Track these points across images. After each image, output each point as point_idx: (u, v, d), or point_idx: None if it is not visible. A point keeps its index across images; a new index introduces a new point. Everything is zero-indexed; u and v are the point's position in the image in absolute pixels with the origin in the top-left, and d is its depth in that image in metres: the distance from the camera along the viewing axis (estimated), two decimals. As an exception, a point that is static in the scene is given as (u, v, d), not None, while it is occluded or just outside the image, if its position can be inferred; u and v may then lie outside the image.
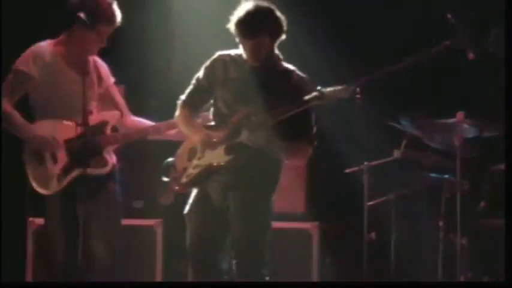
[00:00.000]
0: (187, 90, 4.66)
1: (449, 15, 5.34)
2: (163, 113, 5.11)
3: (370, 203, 5.96)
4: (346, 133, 6.25)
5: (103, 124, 4.68)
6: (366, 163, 5.80)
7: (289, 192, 5.93)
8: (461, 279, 5.38)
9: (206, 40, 6.59)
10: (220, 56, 4.59)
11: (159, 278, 6.23)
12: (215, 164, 4.47)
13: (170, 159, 4.68)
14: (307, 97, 4.42)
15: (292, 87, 4.50)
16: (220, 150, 4.46)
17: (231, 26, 4.43)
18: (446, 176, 5.76)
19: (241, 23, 4.42)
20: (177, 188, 4.61)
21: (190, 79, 4.72)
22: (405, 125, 5.72)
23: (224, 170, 4.42)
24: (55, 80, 4.61)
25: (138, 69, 6.71)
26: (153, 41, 6.83)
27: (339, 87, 4.53)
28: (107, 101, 4.82)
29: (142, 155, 6.03)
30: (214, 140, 4.48)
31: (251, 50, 4.42)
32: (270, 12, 4.41)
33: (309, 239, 6.22)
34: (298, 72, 4.59)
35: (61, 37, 4.71)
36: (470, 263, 5.63)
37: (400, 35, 6.64)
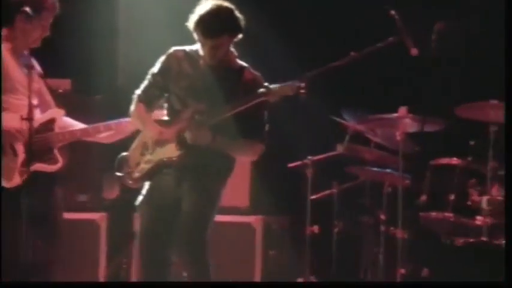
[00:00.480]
0: (142, 85, 4.71)
1: (392, 12, 5.46)
2: (109, 108, 5.14)
3: (313, 196, 6.12)
4: (289, 128, 6.35)
5: (51, 121, 4.73)
6: (309, 157, 5.94)
7: (233, 187, 5.98)
8: (402, 271, 5.52)
9: (154, 34, 6.70)
10: (175, 51, 4.64)
11: (102, 272, 6.27)
12: (166, 159, 4.53)
13: (124, 153, 4.74)
14: (253, 94, 4.49)
15: (244, 84, 4.58)
16: (171, 146, 4.52)
17: (191, 24, 4.48)
18: (388, 170, 5.90)
19: (202, 23, 4.47)
20: (130, 182, 4.66)
21: (138, 74, 4.75)
22: (348, 120, 5.82)
23: (176, 165, 4.49)
24: (6, 74, 4.63)
25: (84, 64, 6.71)
26: (100, 34, 6.86)
27: (286, 84, 4.61)
28: (41, 97, 4.85)
29: (86, 149, 6.04)
30: (166, 135, 4.54)
31: (210, 49, 4.48)
32: (231, 12, 4.47)
33: (252, 232, 6.31)
34: (251, 70, 4.67)
35: (4, 33, 4.70)
36: (411, 256, 5.75)
37: (346, 31, 6.77)
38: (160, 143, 4.57)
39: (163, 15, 7.14)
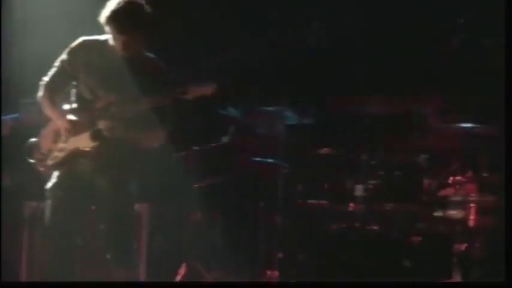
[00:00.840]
0: (50, 73, 4.76)
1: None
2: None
3: (198, 184, 6.32)
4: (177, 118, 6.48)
5: None
6: (193, 148, 6.13)
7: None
8: (280, 256, 5.76)
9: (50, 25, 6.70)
10: (84, 41, 4.71)
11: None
12: (81, 149, 4.61)
13: (33, 139, 4.77)
14: (172, 92, 4.66)
15: (152, 75, 4.70)
16: (85, 136, 4.63)
17: (102, 19, 4.55)
18: (270, 159, 6.11)
19: (115, 20, 4.56)
20: (42, 169, 4.72)
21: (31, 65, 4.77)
22: (233, 113, 6.04)
23: (90, 155, 4.59)
24: None
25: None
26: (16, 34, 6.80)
27: (203, 85, 4.78)
28: None
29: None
30: (78, 125, 4.62)
31: (122, 44, 4.57)
32: (143, 8, 4.55)
33: (139, 218, 6.38)
34: (158, 61, 4.79)
35: None
36: (289, 240, 5.98)
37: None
38: (73, 131, 4.65)
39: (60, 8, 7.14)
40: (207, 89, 4.77)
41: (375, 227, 6.21)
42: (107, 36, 4.66)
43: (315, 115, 6.19)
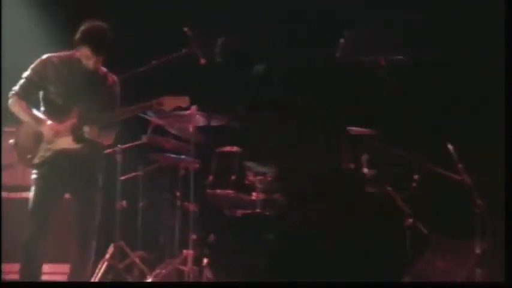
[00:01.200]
0: (20, 83, 5.32)
1: (186, 29, 6.23)
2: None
3: (123, 177, 6.72)
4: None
5: None
6: (118, 146, 6.53)
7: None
8: (194, 237, 6.24)
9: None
10: (50, 57, 5.29)
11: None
12: (68, 149, 5.17)
13: (10, 141, 5.26)
14: (149, 103, 5.29)
15: (110, 87, 5.36)
16: (69, 139, 5.18)
17: (79, 41, 5.16)
18: (183, 156, 6.55)
19: (94, 42, 5.16)
20: (29, 166, 5.23)
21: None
22: (151, 116, 6.39)
23: (74, 154, 5.18)
24: None
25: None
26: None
27: (178, 97, 5.35)
28: None
29: None
30: (60, 129, 5.14)
31: (95, 62, 5.23)
32: (109, 32, 5.21)
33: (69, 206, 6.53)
34: (111, 73, 5.39)
35: None
36: (200, 225, 6.49)
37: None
38: (57, 134, 5.16)
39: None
40: (183, 101, 5.37)
41: (270, 213, 6.62)
42: (69, 53, 5.23)
43: (221, 119, 6.56)
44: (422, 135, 7.16)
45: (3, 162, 6.49)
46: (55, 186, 5.26)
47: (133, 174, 6.88)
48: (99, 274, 6.40)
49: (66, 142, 5.23)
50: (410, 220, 6.70)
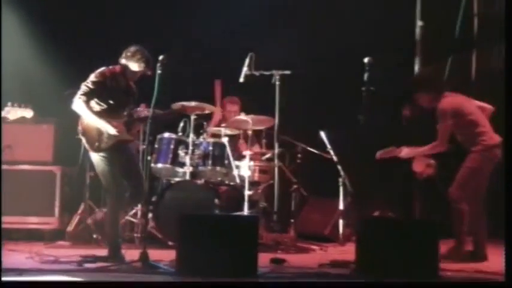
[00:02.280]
0: (85, 91, 6.28)
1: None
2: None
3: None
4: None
5: None
6: None
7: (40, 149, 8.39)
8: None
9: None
10: (107, 70, 6.29)
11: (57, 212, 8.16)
12: (125, 139, 6.32)
13: (82, 131, 6.29)
14: (175, 109, 6.79)
15: (135, 93, 6.58)
16: (125, 133, 6.36)
17: (133, 58, 6.25)
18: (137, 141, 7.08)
19: (147, 59, 6.31)
20: (96, 151, 6.34)
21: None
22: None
23: (126, 143, 6.33)
24: None
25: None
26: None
27: (199, 104, 6.86)
28: None
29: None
30: (118, 127, 6.23)
31: (138, 75, 6.35)
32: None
33: (54, 176, 8.45)
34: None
35: None
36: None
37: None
38: (116, 127, 6.26)
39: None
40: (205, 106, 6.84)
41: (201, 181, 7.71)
42: (114, 69, 6.31)
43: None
44: (306, 127, 8.68)
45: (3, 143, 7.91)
46: (119, 164, 6.38)
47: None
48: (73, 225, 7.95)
49: (122, 135, 6.37)
50: (295, 186, 8.50)
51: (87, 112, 6.30)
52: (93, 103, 6.33)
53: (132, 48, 6.38)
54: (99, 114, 6.34)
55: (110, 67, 6.40)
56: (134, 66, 6.37)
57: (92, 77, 6.31)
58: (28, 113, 6.42)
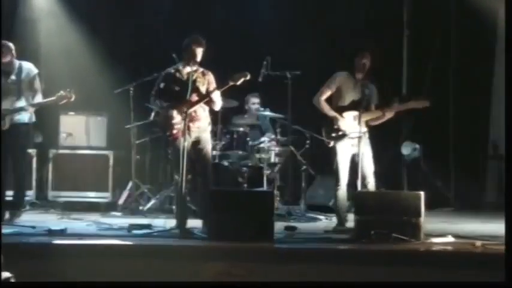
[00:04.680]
0: (156, 89, 7.06)
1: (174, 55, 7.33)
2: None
3: (137, 141, 9.12)
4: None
5: None
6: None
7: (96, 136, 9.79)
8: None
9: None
10: (172, 67, 6.95)
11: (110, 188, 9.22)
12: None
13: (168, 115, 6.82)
14: (226, 82, 6.81)
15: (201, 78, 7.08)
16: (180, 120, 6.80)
17: (201, 45, 6.82)
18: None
19: (201, 51, 6.84)
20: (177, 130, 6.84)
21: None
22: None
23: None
24: None
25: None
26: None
27: (241, 73, 6.79)
28: None
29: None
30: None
31: (198, 57, 6.87)
32: None
33: (107, 158, 9.66)
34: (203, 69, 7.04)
35: None
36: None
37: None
38: (179, 114, 6.84)
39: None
40: (245, 75, 6.83)
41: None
42: (177, 66, 6.98)
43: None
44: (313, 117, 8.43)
45: (64, 130, 9.44)
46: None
47: (142, 139, 9.34)
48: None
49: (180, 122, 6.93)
50: (305, 167, 9.25)
51: (156, 104, 7.33)
52: None
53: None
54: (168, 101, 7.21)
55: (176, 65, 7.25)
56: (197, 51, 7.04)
57: (161, 78, 7.20)
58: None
